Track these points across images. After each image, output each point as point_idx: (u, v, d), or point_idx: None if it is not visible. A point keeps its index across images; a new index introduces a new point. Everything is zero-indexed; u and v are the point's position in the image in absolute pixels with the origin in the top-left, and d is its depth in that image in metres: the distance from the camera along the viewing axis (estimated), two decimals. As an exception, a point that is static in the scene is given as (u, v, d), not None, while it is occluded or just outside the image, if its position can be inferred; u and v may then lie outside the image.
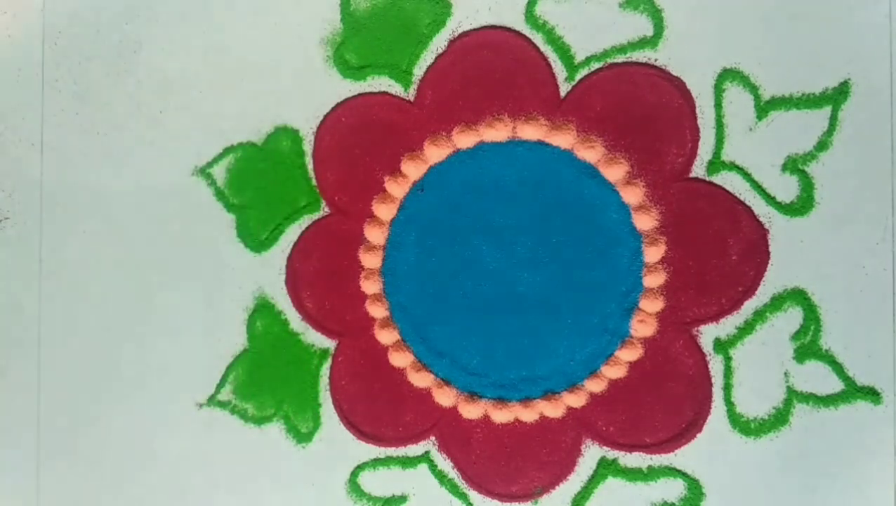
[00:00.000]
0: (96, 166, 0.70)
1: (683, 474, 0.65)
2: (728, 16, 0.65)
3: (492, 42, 0.66)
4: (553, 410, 0.66)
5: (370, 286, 0.67)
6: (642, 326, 0.65)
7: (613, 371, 0.65)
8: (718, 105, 0.65)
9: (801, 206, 0.65)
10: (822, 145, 0.64)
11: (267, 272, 0.69)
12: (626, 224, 0.65)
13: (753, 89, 0.65)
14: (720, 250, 0.65)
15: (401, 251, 0.67)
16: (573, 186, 0.66)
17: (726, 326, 0.65)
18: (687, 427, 0.65)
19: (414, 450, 0.67)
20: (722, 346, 0.65)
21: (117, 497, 0.69)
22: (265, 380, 0.68)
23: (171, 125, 0.69)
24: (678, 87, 0.65)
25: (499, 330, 0.66)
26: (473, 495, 0.67)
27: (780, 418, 0.64)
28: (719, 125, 0.65)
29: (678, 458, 0.65)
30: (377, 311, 0.67)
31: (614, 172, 0.65)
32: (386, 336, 0.67)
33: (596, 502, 0.66)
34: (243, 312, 0.69)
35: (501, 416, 0.66)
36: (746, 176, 0.65)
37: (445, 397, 0.67)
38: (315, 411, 0.68)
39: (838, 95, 0.64)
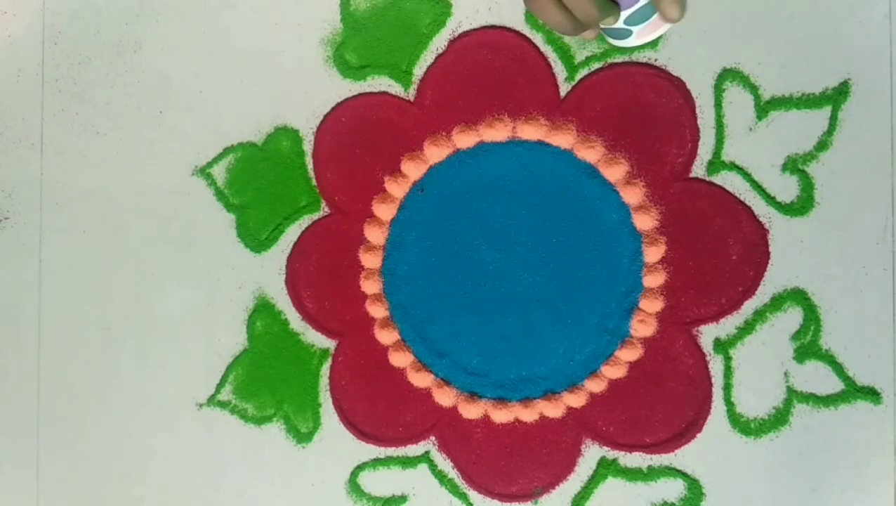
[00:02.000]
0: (96, 166, 0.70)
1: (683, 474, 0.65)
2: (728, 16, 0.65)
3: (492, 42, 0.66)
4: (553, 410, 0.66)
5: (370, 286, 0.67)
6: (642, 326, 0.65)
7: (613, 371, 0.65)
8: (718, 105, 0.65)
9: (801, 206, 0.65)
10: (822, 145, 0.64)
11: (267, 272, 0.69)
12: (626, 224, 0.66)
13: (753, 89, 0.65)
14: (720, 250, 0.65)
15: (401, 251, 0.67)
16: (573, 186, 0.66)
17: (726, 326, 0.65)
18: (687, 427, 0.65)
19: (414, 450, 0.67)
20: (722, 346, 0.65)
21: (117, 497, 0.69)
22: (265, 380, 0.68)
23: (171, 125, 0.69)
24: (678, 87, 0.65)
25: (499, 330, 0.66)
26: (473, 495, 0.67)
27: (780, 418, 0.64)
28: (719, 125, 0.65)
29: (678, 458, 0.65)
30: (377, 311, 0.67)
31: (614, 172, 0.65)
32: (386, 336, 0.67)
33: (596, 502, 0.66)
34: (243, 312, 0.69)
35: (501, 416, 0.66)
36: (746, 176, 0.65)
37: (445, 397, 0.67)
38: (315, 411, 0.68)
39: (838, 95, 0.64)
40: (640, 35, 0.47)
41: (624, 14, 0.46)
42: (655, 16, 0.46)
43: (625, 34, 0.47)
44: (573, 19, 0.44)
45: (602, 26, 0.46)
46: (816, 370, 0.64)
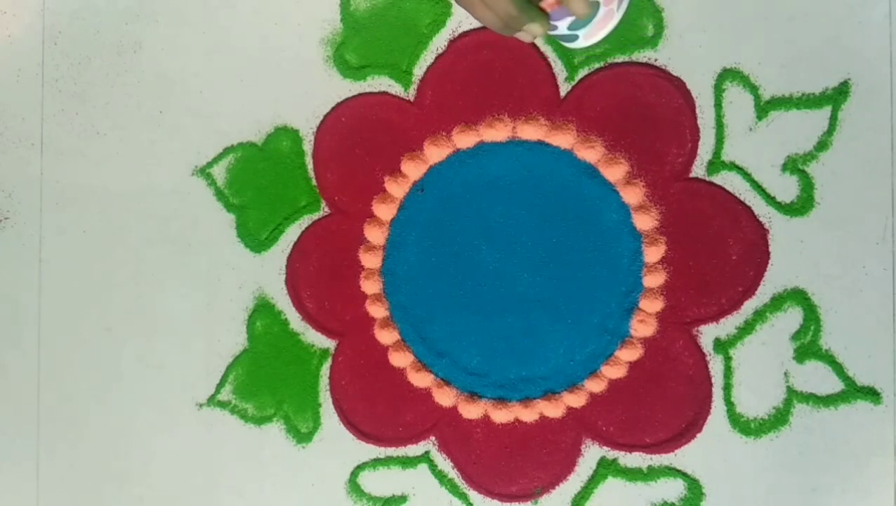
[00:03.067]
0: (96, 166, 0.70)
1: (683, 474, 0.65)
2: (728, 16, 0.65)
3: (492, 42, 0.66)
4: (553, 410, 0.66)
5: (370, 286, 0.67)
6: (642, 326, 0.65)
7: (613, 371, 0.65)
8: (718, 105, 0.65)
9: (801, 206, 0.65)
10: (822, 145, 0.64)
11: (267, 272, 0.69)
12: (626, 224, 0.66)
13: (753, 89, 0.65)
14: (720, 250, 0.65)
15: (401, 251, 0.67)
16: (573, 186, 0.66)
17: (726, 326, 0.65)
18: (687, 427, 0.65)
19: (414, 450, 0.67)
20: (722, 346, 0.65)
21: (117, 497, 0.69)
22: (265, 380, 0.68)
23: (171, 125, 0.69)
24: (678, 87, 0.65)
25: (499, 330, 0.66)
26: (473, 495, 0.67)
27: (780, 418, 0.64)
28: (719, 125, 0.65)
29: (678, 458, 0.65)
30: (377, 311, 0.67)
31: (614, 172, 0.65)
32: (386, 336, 0.67)
33: (596, 502, 0.66)
34: (243, 312, 0.69)
35: (501, 416, 0.66)
36: (746, 176, 0.65)
37: (445, 397, 0.67)
38: (315, 411, 0.68)
39: (838, 95, 0.64)
40: (586, 37, 0.48)
41: (567, 20, 0.46)
42: (598, 17, 0.47)
43: (572, 38, 0.48)
44: (501, 20, 0.43)
45: (530, 31, 0.45)
46: (816, 370, 0.64)
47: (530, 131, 0.66)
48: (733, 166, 0.65)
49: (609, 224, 0.66)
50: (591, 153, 0.65)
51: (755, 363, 0.65)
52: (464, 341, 0.67)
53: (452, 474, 0.67)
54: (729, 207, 0.65)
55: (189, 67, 0.69)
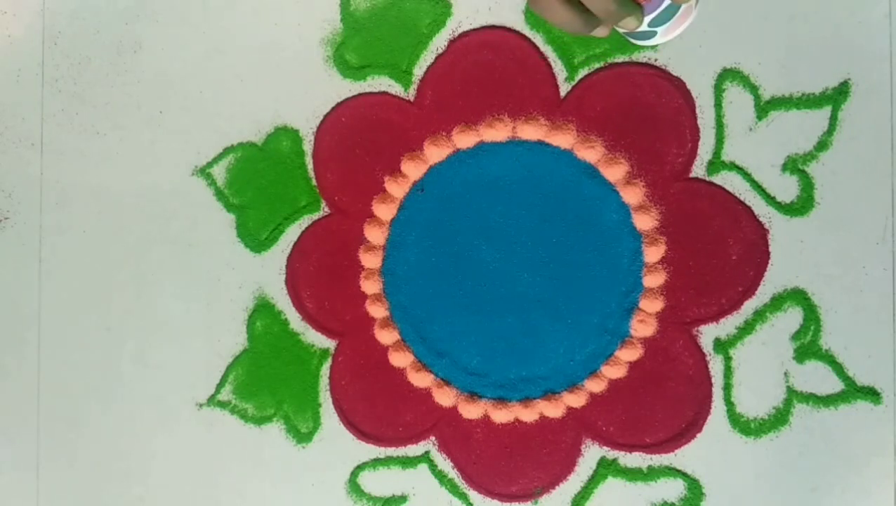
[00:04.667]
0: (96, 166, 0.70)
1: (683, 474, 0.65)
2: (728, 16, 0.65)
3: (492, 42, 0.66)
4: (553, 410, 0.66)
5: (370, 286, 0.67)
6: (642, 326, 0.65)
7: (613, 371, 0.65)
8: (718, 105, 0.65)
9: (801, 206, 0.65)
10: (822, 145, 0.64)
11: (267, 272, 0.69)
12: (626, 224, 0.66)
13: (753, 89, 0.65)
14: (720, 250, 0.65)
15: (401, 251, 0.67)
16: (573, 186, 0.66)
17: (726, 326, 0.65)
18: (687, 427, 0.65)
19: (414, 450, 0.67)
20: (722, 346, 0.65)
21: (117, 497, 0.69)
22: (265, 380, 0.68)
23: (171, 125, 0.69)
24: (678, 87, 0.65)
25: (499, 330, 0.66)
26: (473, 495, 0.67)
27: (780, 418, 0.64)
28: (719, 125, 0.65)
29: (678, 458, 0.65)
30: (377, 311, 0.67)
31: (614, 172, 0.65)
32: (386, 336, 0.67)
33: (596, 502, 0.66)
34: (243, 312, 0.69)
35: (501, 416, 0.66)
36: (746, 176, 0.65)
37: (445, 397, 0.67)
38: (315, 411, 0.68)
39: (838, 95, 0.64)
40: (664, 34, 0.46)
41: (648, 17, 0.44)
42: (679, 12, 0.45)
43: (649, 35, 0.46)
44: (583, 17, 0.40)
45: (622, 29, 0.43)
46: (816, 370, 0.64)
47: (530, 131, 0.66)
48: (733, 166, 0.65)
49: (609, 224, 0.66)
50: (591, 153, 0.65)
51: (755, 363, 0.65)
52: (464, 341, 0.67)
53: (452, 474, 0.67)
54: (729, 207, 0.65)
55: (189, 67, 0.69)
